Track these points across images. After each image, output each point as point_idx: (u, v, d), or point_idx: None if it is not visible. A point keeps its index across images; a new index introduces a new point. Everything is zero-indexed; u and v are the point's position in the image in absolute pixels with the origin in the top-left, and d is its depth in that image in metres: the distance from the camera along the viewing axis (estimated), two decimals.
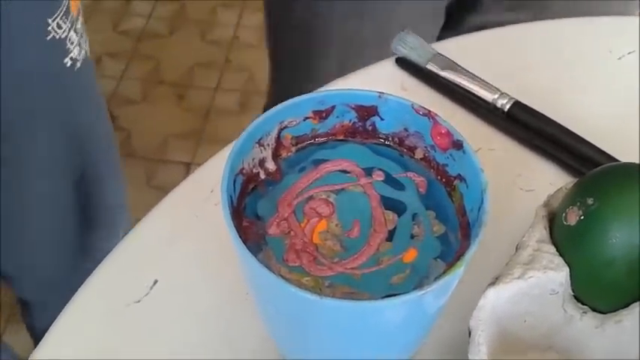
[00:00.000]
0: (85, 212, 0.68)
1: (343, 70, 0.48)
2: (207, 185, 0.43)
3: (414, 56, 0.48)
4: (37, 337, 0.90)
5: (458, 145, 0.29)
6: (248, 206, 0.30)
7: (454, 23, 0.68)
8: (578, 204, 0.33)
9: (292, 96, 0.30)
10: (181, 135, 1.36)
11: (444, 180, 0.30)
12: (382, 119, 0.31)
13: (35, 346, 0.38)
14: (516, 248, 0.35)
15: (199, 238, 0.41)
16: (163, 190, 0.43)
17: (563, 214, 0.34)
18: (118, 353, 0.37)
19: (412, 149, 0.31)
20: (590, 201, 0.33)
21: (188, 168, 1.32)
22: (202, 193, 0.43)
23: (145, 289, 0.39)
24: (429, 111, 0.29)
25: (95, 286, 0.39)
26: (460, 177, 0.29)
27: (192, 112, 1.40)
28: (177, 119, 1.39)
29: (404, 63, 0.48)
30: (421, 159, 0.31)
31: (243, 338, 0.37)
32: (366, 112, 0.31)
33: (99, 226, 0.71)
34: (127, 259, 0.40)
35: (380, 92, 0.30)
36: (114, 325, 0.38)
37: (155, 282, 0.39)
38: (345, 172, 0.31)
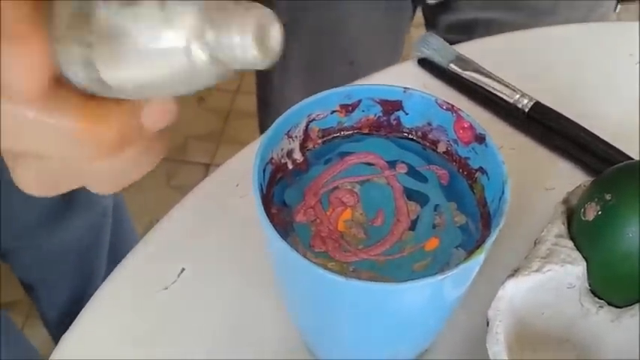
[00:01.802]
0: None
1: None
2: (232, 180, 0.44)
3: (436, 57, 0.49)
4: (49, 327, 0.92)
5: (480, 138, 0.30)
6: (276, 194, 0.31)
7: (430, 23, 0.68)
8: (597, 200, 0.34)
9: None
10: (201, 136, 1.38)
11: (465, 173, 0.31)
12: (406, 114, 0.32)
13: (53, 340, 0.39)
14: (535, 243, 0.36)
15: (225, 228, 0.42)
16: (183, 190, 0.44)
17: (582, 210, 0.34)
18: (146, 339, 0.38)
19: (435, 143, 0.32)
20: (608, 197, 0.33)
21: (207, 169, 1.34)
22: (228, 187, 0.44)
23: (173, 277, 0.40)
24: (453, 105, 0.30)
25: (124, 274, 0.41)
26: (482, 169, 0.30)
27: (212, 114, 1.42)
28: (198, 121, 1.40)
29: (426, 64, 0.49)
30: (444, 152, 0.32)
31: (267, 325, 0.38)
32: (391, 106, 0.32)
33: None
34: (155, 249, 0.42)
35: (405, 87, 0.31)
36: (142, 312, 0.39)
37: (182, 270, 0.40)
38: (369, 164, 0.32)
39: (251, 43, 0.17)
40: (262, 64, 0.17)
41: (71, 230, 0.77)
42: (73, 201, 0.74)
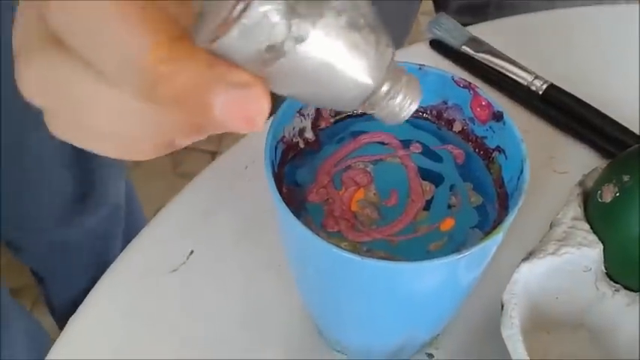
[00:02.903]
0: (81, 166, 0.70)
1: None
2: (241, 162, 0.44)
3: (448, 39, 0.48)
4: (56, 316, 0.92)
5: (498, 116, 0.29)
6: (287, 174, 0.30)
7: (440, 5, 0.67)
8: (614, 181, 0.33)
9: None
10: None
11: (482, 152, 0.31)
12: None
13: (60, 329, 0.39)
14: (550, 226, 0.35)
15: (234, 211, 0.42)
16: (189, 178, 0.44)
17: (599, 192, 0.34)
18: (154, 320, 0.38)
19: (450, 122, 0.31)
20: (625, 178, 0.33)
21: (213, 157, 1.33)
22: (237, 169, 0.43)
23: (182, 258, 0.40)
24: (470, 83, 0.30)
25: (133, 255, 0.40)
26: (499, 149, 0.30)
27: None
28: None
29: (438, 45, 0.48)
30: (459, 132, 0.31)
31: (276, 308, 0.38)
32: None
33: (94, 183, 0.73)
34: (164, 230, 0.41)
35: (420, 65, 0.30)
36: (151, 293, 0.39)
37: (191, 252, 0.40)
38: (382, 143, 0.31)
39: (409, 110, 0.20)
40: (396, 123, 0.20)
41: (85, 225, 0.77)
42: (87, 196, 0.74)
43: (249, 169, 0.44)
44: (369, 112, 0.20)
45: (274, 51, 0.17)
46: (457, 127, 0.31)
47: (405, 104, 0.20)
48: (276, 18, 0.16)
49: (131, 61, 0.16)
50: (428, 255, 0.27)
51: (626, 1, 0.57)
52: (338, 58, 0.17)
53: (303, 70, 0.17)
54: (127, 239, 0.82)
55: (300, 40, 0.17)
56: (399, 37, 0.67)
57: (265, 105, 0.17)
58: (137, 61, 0.16)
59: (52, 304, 0.92)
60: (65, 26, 0.17)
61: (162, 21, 0.16)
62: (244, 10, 0.16)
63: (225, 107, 0.16)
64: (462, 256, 0.25)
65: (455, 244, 0.28)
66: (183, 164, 1.31)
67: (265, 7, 0.16)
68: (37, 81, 0.18)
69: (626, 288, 0.34)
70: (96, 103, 0.18)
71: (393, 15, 0.64)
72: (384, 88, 0.19)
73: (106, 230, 0.80)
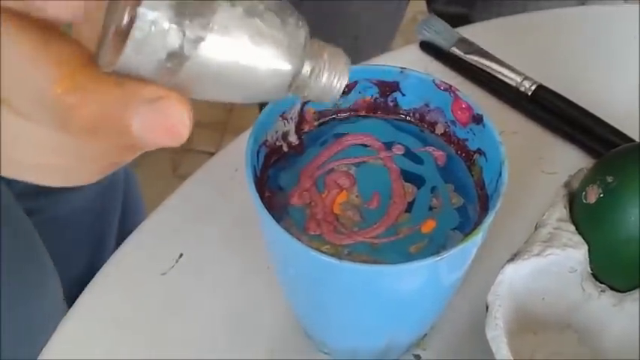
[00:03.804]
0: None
1: None
2: (231, 165, 0.44)
3: (438, 40, 0.48)
4: None
5: (478, 119, 0.29)
6: (271, 178, 0.31)
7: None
8: (598, 182, 0.33)
9: None
10: (206, 125, 1.38)
11: (463, 154, 0.31)
12: (403, 95, 0.31)
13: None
14: (536, 227, 0.35)
15: (223, 214, 0.42)
16: None
17: (583, 193, 0.34)
18: (143, 324, 0.38)
19: (433, 125, 0.32)
20: (609, 179, 0.33)
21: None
22: (227, 172, 0.44)
23: (171, 262, 0.40)
24: (450, 86, 0.30)
25: (123, 259, 0.41)
26: (480, 151, 0.30)
27: (217, 103, 1.41)
28: (203, 109, 1.40)
29: (428, 47, 0.48)
30: (441, 134, 0.31)
31: (264, 311, 0.38)
32: (388, 87, 0.31)
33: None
34: (154, 233, 0.41)
35: (402, 68, 0.31)
36: (140, 296, 0.39)
37: (181, 255, 0.40)
38: (365, 146, 0.31)
39: (339, 86, 0.19)
40: (328, 103, 0.20)
41: (78, 199, 0.76)
42: None
43: (239, 172, 0.44)
44: (300, 95, 0.19)
45: (176, 57, 0.16)
46: (439, 129, 0.31)
47: (333, 81, 0.19)
48: (166, 24, 0.16)
49: (39, 96, 0.16)
50: (409, 257, 0.28)
51: (625, 0, 0.57)
52: (245, 50, 0.17)
53: (212, 70, 0.16)
54: (123, 227, 0.82)
55: (198, 40, 0.16)
56: (385, 39, 0.67)
57: (184, 113, 0.16)
58: (45, 95, 0.16)
59: None
60: None
61: (65, 53, 0.16)
62: (131, 24, 0.15)
63: (143, 125, 0.16)
64: (440, 258, 0.25)
65: (435, 246, 0.28)
66: (182, 166, 1.32)
67: (151, 16, 0.15)
68: None
69: (612, 289, 0.34)
70: (19, 138, 0.18)
71: (380, 17, 0.65)
72: (306, 69, 0.18)
73: (102, 206, 0.80)
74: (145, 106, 0.16)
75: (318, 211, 0.29)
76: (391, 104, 0.32)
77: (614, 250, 0.33)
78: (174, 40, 0.16)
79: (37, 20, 0.17)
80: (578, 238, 0.34)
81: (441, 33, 0.48)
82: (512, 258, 0.34)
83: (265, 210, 0.26)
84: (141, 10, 0.15)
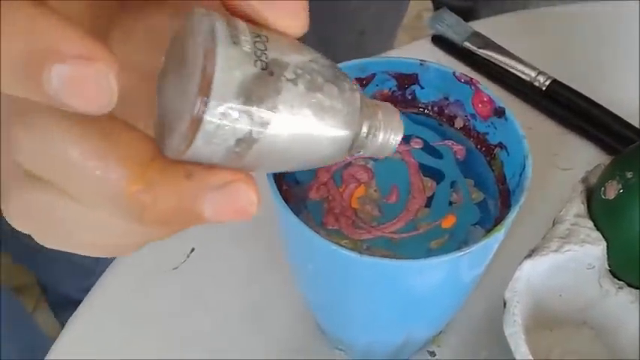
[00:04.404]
0: None
1: None
2: None
3: (451, 34, 0.47)
4: (57, 313, 0.92)
5: (500, 112, 0.29)
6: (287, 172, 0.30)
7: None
8: (618, 178, 0.33)
9: None
10: None
11: (483, 149, 0.30)
12: (422, 88, 0.31)
13: (62, 327, 0.38)
14: (554, 223, 0.35)
15: None
16: None
17: (602, 189, 0.33)
18: (155, 319, 0.38)
19: (452, 118, 0.31)
20: (629, 175, 0.32)
21: None
22: None
23: (183, 256, 0.40)
24: (471, 78, 0.29)
25: (134, 254, 0.40)
26: (501, 145, 0.29)
27: None
28: None
29: (441, 41, 0.48)
30: (461, 128, 0.31)
31: (277, 305, 0.38)
32: (407, 80, 0.31)
33: None
34: None
35: (421, 60, 0.30)
36: (152, 292, 0.39)
37: (192, 250, 0.40)
38: None
39: (394, 142, 0.20)
40: (385, 156, 0.20)
41: None
42: None
43: None
44: (358, 155, 0.20)
45: (244, 142, 0.16)
46: (459, 123, 0.31)
47: (388, 137, 0.20)
48: (235, 114, 0.16)
49: (111, 193, 0.16)
50: (429, 253, 0.27)
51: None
52: (309, 124, 0.17)
53: (279, 148, 0.17)
54: None
55: (265, 123, 0.16)
56: (390, 34, 0.66)
57: (253, 195, 0.17)
58: (118, 194, 0.16)
59: (51, 301, 0.92)
60: (35, 163, 0.16)
61: (134, 146, 0.16)
62: (202, 115, 0.15)
63: (214, 211, 0.16)
64: (463, 253, 0.25)
65: (456, 242, 0.28)
66: None
67: (222, 108, 0.15)
68: (20, 213, 0.17)
69: (630, 285, 0.34)
70: (81, 224, 0.17)
71: (385, 11, 0.64)
72: (364, 130, 0.19)
73: None
74: (215, 194, 0.16)
75: (335, 206, 0.29)
76: (409, 97, 0.31)
77: (633, 246, 0.33)
78: (243, 127, 0.16)
79: None
80: (596, 234, 0.33)
81: (453, 27, 0.48)
82: (530, 254, 0.33)
83: (284, 203, 0.26)
84: (209, 102, 0.15)
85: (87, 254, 0.19)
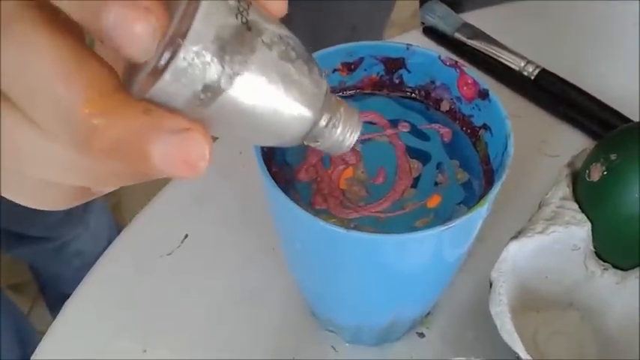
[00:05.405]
0: None
1: None
2: (236, 147, 0.44)
3: (441, 25, 0.48)
4: (54, 312, 0.92)
5: (483, 94, 0.30)
6: (277, 153, 0.31)
7: None
8: (602, 160, 0.33)
9: None
10: None
11: (469, 131, 0.31)
12: (409, 72, 0.32)
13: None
14: (539, 205, 0.35)
15: (227, 196, 0.42)
16: None
17: (587, 171, 0.34)
18: (149, 304, 0.38)
19: (438, 102, 0.32)
20: (613, 157, 0.33)
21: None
22: (232, 155, 0.44)
23: (176, 242, 0.40)
24: (456, 61, 0.30)
25: (129, 239, 0.41)
26: (485, 126, 0.30)
27: None
28: None
29: (432, 32, 0.49)
30: (447, 111, 0.32)
31: (269, 289, 0.38)
32: (394, 64, 0.32)
33: None
34: (159, 215, 0.42)
35: (408, 44, 0.31)
36: (146, 276, 0.39)
37: (186, 236, 0.40)
38: (371, 123, 0.32)
39: (352, 139, 0.20)
40: (340, 153, 0.21)
41: (87, 229, 0.77)
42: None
43: (243, 155, 0.44)
44: (313, 144, 0.20)
45: (210, 90, 0.16)
46: (445, 106, 0.32)
47: (346, 134, 0.20)
48: (208, 57, 0.16)
49: (64, 113, 0.16)
50: (414, 230, 0.28)
51: None
52: (274, 92, 0.17)
53: (240, 108, 0.17)
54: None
55: (234, 76, 0.16)
56: (380, 28, 0.67)
57: (206, 149, 0.16)
58: (71, 114, 0.16)
59: (49, 301, 0.92)
60: (6, 75, 0.16)
61: (97, 75, 0.16)
62: (175, 53, 0.16)
63: (164, 155, 0.16)
64: (446, 227, 0.25)
65: (441, 220, 0.28)
66: None
67: (196, 48, 0.16)
68: None
69: (615, 267, 0.35)
70: (28, 151, 0.17)
71: (375, 5, 0.65)
72: (324, 119, 0.19)
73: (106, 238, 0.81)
74: (168, 136, 0.16)
75: (324, 186, 0.30)
76: (397, 82, 0.32)
77: (617, 227, 0.34)
78: (213, 72, 0.16)
79: (72, 31, 0.16)
80: (581, 216, 0.34)
81: (444, 18, 0.48)
82: (516, 236, 0.34)
83: (273, 182, 0.27)
84: (187, 40, 0.16)
85: (28, 200, 0.19)
